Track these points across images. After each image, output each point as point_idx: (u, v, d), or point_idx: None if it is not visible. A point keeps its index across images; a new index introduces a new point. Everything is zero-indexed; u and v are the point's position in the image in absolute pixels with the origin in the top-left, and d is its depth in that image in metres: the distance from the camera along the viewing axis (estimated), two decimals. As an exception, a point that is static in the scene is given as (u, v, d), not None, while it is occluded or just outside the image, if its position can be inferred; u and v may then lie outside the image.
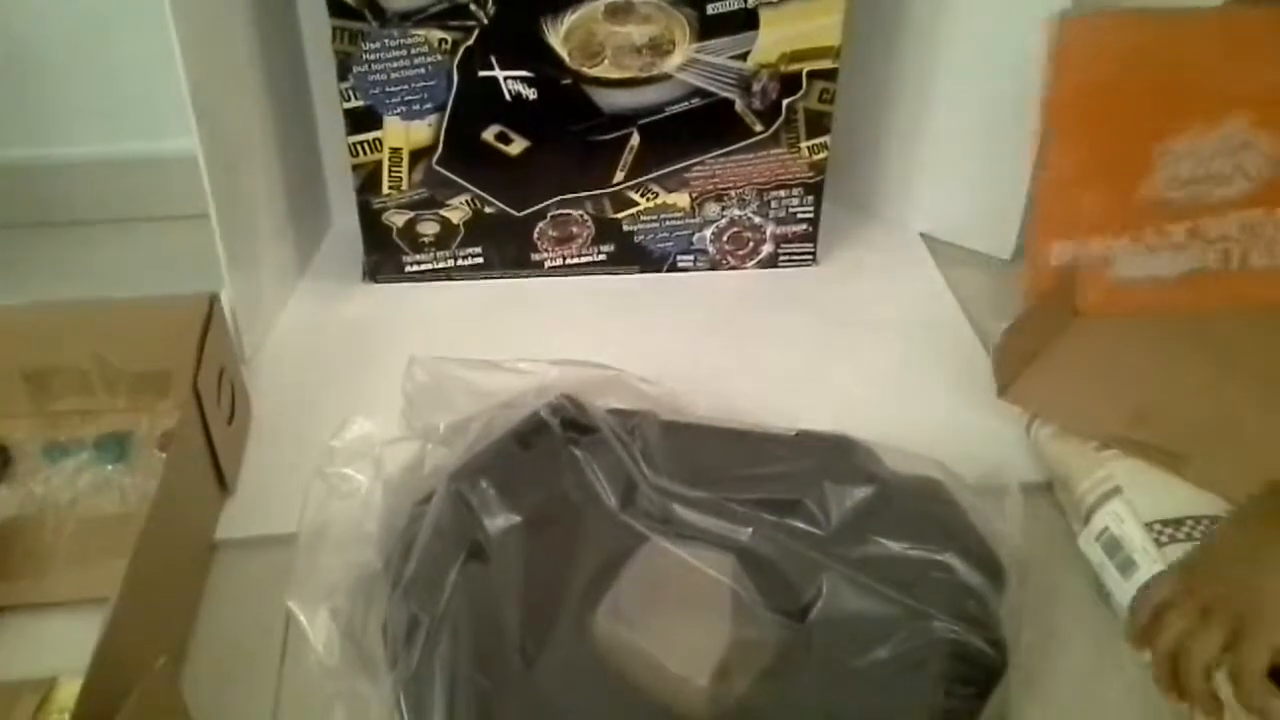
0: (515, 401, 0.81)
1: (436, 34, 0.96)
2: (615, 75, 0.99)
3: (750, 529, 0.75)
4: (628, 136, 1.03)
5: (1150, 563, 0.73)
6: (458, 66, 0.98)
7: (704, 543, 0.74)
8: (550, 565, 0.72)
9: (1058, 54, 0.90)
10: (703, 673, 0.66)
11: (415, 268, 1.10)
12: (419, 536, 0.72)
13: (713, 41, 0.98)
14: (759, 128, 1.03)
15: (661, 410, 0.84)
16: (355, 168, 1.03)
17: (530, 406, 0.80)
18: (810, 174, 1.07)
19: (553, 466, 0.78)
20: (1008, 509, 0.73)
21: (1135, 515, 0.75)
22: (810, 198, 1.09)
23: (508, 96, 0.99)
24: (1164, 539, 0.73)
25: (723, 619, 0.70)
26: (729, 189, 1.07)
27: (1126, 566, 0.74)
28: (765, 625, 0.70)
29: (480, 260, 1.10)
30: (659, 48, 0.98)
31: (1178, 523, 0.74)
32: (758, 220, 1.10)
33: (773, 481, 0.78)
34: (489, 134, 1.02)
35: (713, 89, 1.01)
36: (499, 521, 0.73)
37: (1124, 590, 0.74)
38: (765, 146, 1.04)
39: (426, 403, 0.82)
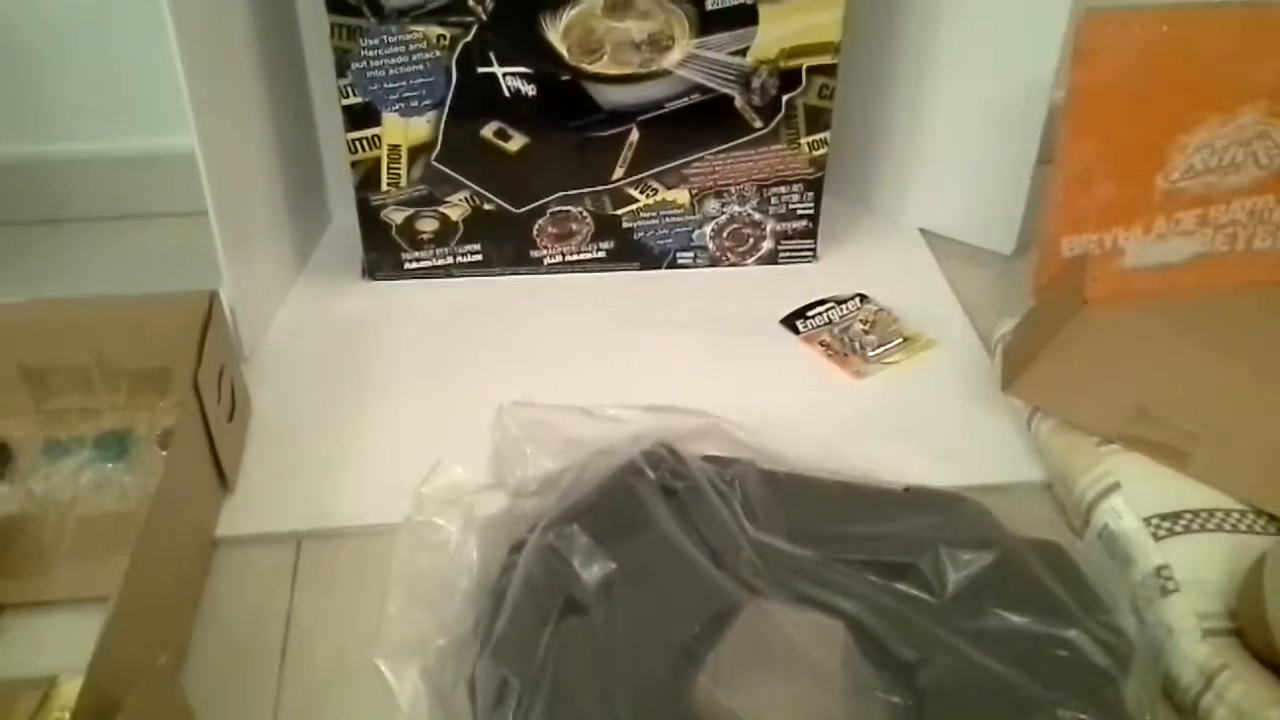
0: (609, 449, 0.78)
1: (435, 30, 0.96)
2: (614, 71, 0.99)
3: (859, 594, 0.70)
4: (627, 133, 1.03)
5: (1147, 558, 0.73)
6: (456, 63, 0.97)
7: (811, 605, 0.70)
8: (647, 624, 0.68)
9: (1078, 48, 0.90)
10: (805, 748, 0.61)
11: (414, 265, 1.10)
12: (509, 591, 0.68)
13: (712, 37, 0.98)
14: (759, 124, 1.03)
15: (759, 459, 0.80)
16: (354, 164, 1.03)
17: (625, 454, 0.77)
18: (810, 170, 1.07)
19: (649, 517, 0.73)
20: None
21: (1133, 510, 0.75)
22: (810, 194, 1.08)
23: (506, 93, 0.99)
24: (1161, 533, 0.73)
25: (828, 691, 0.64)
26: (729, 185, 1.07)
27: (1125, 564, 0.74)
28: (873, 701, 0.65)
29: (479, 257, 1.10)
30: (658, 44, 0.98)
31: (1175, 516, 0.74)
32: (758, 217, 1.10)
33: (882, 542, 0.73)
34: (488, 131, 1.02)
35: (712, 85, 1.01)
36: (594, 572, 0.69)
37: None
38: (765, 143, 1.04)
39: (516, 452, 0.80)
